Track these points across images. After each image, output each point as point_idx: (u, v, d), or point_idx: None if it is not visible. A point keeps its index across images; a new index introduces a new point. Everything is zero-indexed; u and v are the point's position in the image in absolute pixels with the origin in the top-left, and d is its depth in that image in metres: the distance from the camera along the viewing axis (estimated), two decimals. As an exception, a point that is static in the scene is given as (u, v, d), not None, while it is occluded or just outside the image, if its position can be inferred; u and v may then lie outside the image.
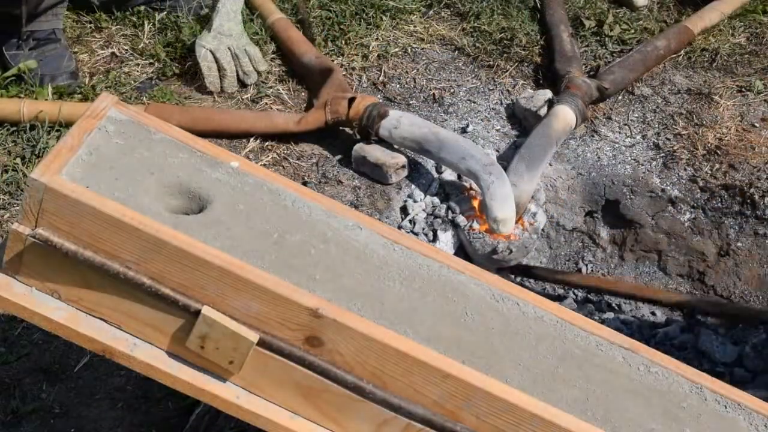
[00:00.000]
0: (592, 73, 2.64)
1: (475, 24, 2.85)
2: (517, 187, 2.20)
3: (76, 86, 2.46)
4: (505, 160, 2.38)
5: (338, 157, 2.39)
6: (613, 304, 2.23)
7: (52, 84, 2.42)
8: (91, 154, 1.26)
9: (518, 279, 2.31)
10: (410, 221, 2.26)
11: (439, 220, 2.26)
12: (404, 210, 2.31)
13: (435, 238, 2.22)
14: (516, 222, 2.20)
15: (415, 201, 2.30)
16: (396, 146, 2.34)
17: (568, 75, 2.56)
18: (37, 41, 2.46)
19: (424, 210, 2.28)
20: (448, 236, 2.22)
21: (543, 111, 2.49)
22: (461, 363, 1.21)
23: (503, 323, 1.32)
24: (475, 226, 2.21)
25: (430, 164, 2.39)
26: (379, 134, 2.31)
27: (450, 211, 2.26)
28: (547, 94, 2.56)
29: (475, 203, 2.27)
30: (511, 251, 2.18)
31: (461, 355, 1.23)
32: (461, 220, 2.24)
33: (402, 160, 2.33)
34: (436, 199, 2.31)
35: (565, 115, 2.41)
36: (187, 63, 2.56)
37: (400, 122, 2.29)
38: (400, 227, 2.22)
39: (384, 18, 2.81)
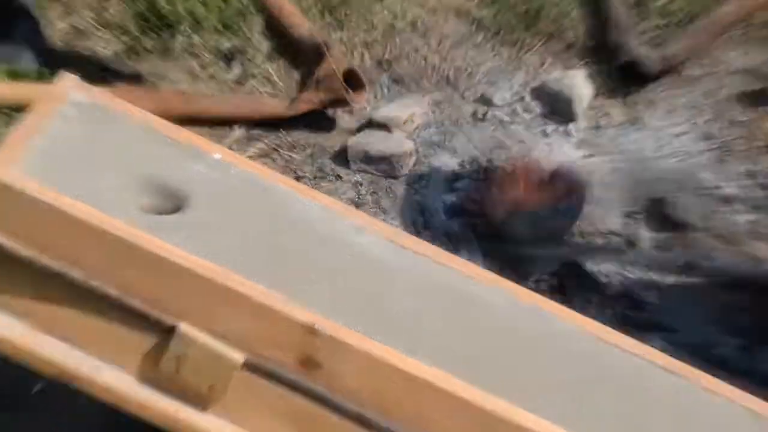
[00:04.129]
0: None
1: (496, -7, 2.85)
2: None
3: (35, 67, 2.47)
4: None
5: (336, 147, 2.39)
6: (663, 322, 2.22)
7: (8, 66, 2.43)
8: (50, 144, 1.26)
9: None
10: (425, 227, 2.26)
11: (459, 233, 2.26)
12: (419, 215, 2.30)
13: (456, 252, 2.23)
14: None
15: (434, 210, 2.29)
16: None
17: (626, 46, 2.63)
18: None
19: (440, 222, 2.28)
20: (474, 247, 2.21)
21: (575, 93, 2.49)
22: (478, 386, 1.21)
23: (524, 337, 1.32)
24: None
25: (443, 159, 2.39)
26: None
27: (472, 225, 2.26)
28: (579, 75, 2.56)
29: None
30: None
31: (476, 375, 1.23)
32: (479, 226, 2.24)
33: (410, 145, 2.34)
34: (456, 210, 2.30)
35: None
36: (161, 37, 2.56)
37: None
38: (418, 233, 2.22)
39: (390, -14, 2.81)
